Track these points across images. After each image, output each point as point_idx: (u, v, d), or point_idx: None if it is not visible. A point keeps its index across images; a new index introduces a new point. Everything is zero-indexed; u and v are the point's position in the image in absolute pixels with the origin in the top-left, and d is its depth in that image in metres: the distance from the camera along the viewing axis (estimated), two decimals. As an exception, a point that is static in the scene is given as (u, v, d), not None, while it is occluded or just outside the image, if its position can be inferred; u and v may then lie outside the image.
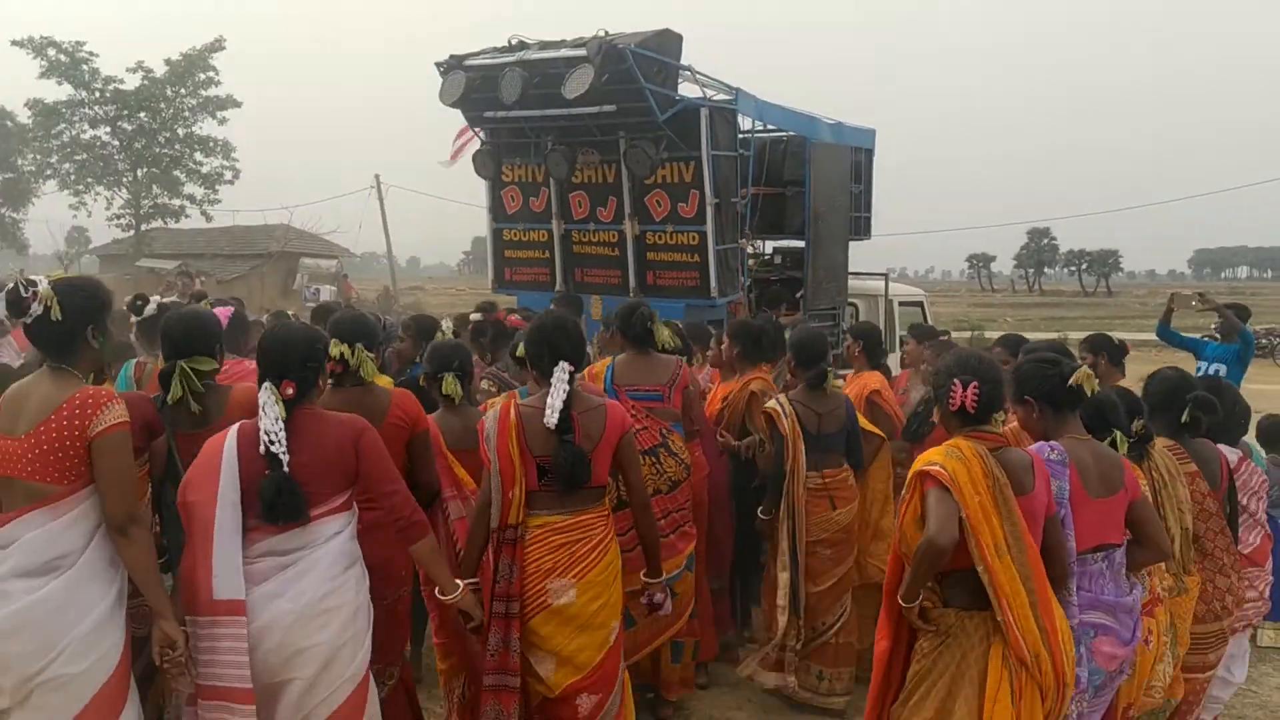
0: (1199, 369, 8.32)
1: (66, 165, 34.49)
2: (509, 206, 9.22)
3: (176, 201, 35.46)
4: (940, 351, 5.68)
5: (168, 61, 33.69)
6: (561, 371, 3.58)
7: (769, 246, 10.24)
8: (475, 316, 6.05)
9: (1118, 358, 5.52)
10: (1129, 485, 3.45)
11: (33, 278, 3.04)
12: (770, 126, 9.38)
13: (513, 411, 3.61)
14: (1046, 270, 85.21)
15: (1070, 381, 3.41)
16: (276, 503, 3.06)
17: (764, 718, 5.05)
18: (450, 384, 4.35)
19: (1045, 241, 79.99)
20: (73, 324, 3.04)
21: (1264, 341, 24.91)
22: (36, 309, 2.99)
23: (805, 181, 9.13)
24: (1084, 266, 78.23)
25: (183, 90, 33.93)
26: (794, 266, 9.59)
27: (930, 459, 3.23)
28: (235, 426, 3.21)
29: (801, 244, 9.45)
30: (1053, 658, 3.13)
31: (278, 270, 38.98)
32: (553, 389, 3.56)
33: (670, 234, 8.30)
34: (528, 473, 3.56)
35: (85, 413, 2.97)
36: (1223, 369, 8.06)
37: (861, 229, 10.35)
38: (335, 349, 3.65)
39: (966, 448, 3.24)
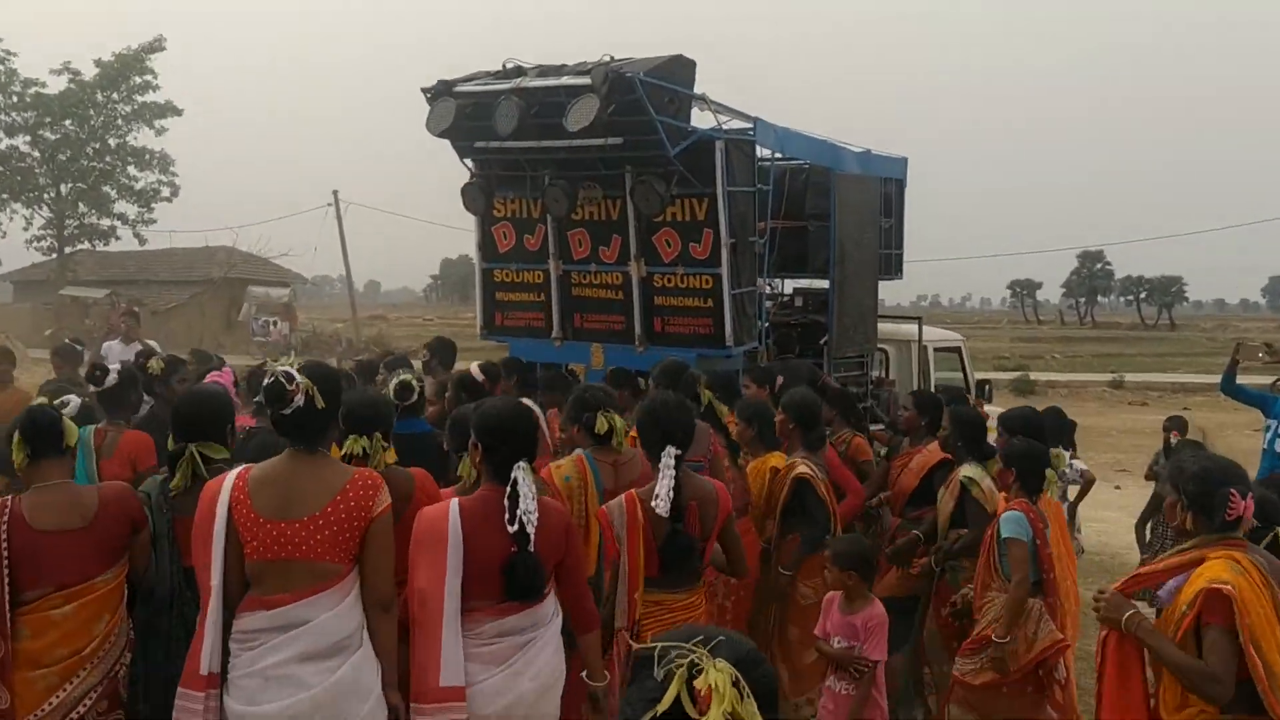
0: (1268, 427, 8.66)
1: None
2: (500, 244, 9.53)
3: (106, 221, 35.71)
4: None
5: (98, 62, 33.88)
6: (669, 457, 4.11)
7: (789, 287, 10.58)
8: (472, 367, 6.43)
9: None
10: None
11: (288, 370, 3.60)
12: (790, 156, 9.75)
13: (640, 509, 4.18)
14: (1100, 299, 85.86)
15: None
16: (529, 583, 3.62)
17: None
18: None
19: (1099, 267, 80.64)
20: (331, 411, 3.65)
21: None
22: (299, 400, 3.54)
23: (830, 215, 9.48)
24: (1143, 295, 78.84)
25: (115, 95, 34.23)
26: (817, 309, 9.94)
27: (1219, 576, 3.54)
28: (453, 504, 3.72)
29: (825, 284, 9.80)
30: None
31: (220, 299, 39.25)
32: (661, 476, 4.11)
33: (681, 276, 8.59)
34: (649, 563, 4.16)
35: (368, 494, 3.55)
36: None
37: (892, 267, 10.71)
38: (355, 445, 4.08)
39: (1243, 559, 3.58)
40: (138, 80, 34.07)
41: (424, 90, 8.63)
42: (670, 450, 4.11)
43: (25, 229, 35.25)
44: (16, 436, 3.68)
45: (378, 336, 37.78)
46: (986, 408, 10.96)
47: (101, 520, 3.69)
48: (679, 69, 8.11)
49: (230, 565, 3.52)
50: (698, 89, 8.35)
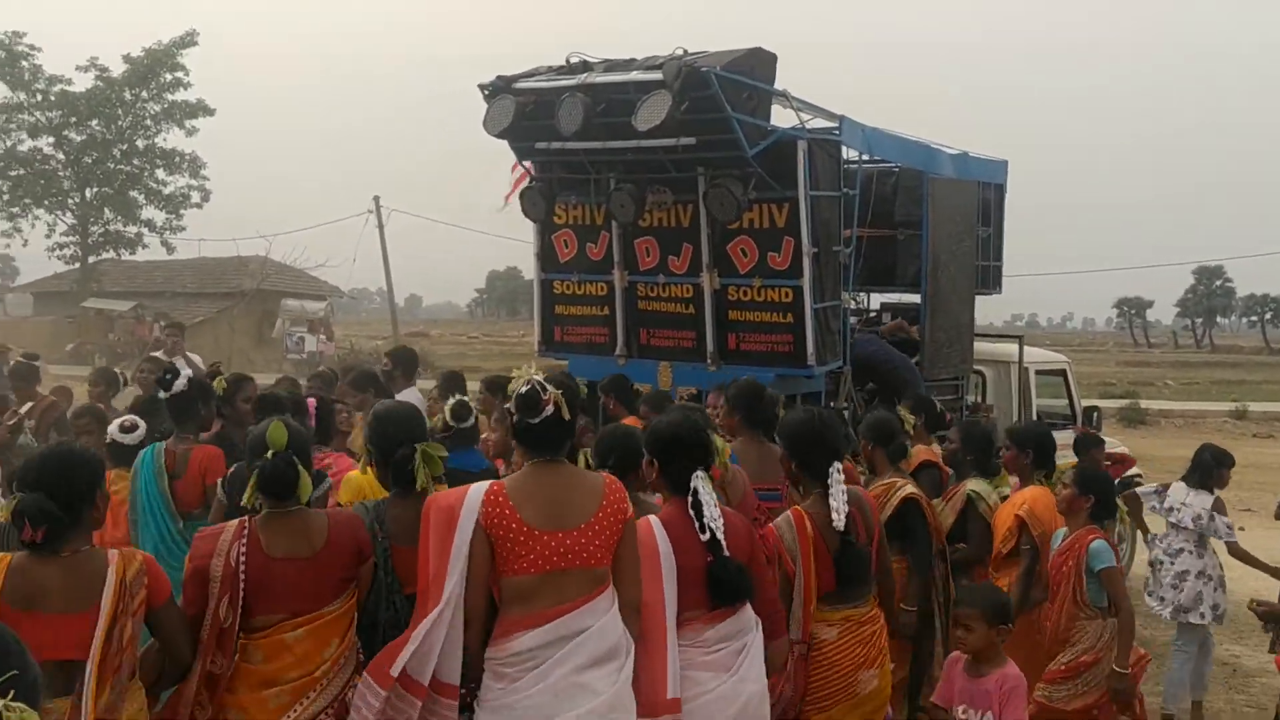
0: None
1: None
2: (561, 254, 9.65)
3: (132, 228, 36.31)
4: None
5: (127, 58, 34.51)
6: (837, 472, 4.62)
7: (876, 301, 10.58)
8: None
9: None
10: None
11: (541, 380, 3.90)
12: (879, 159, 9.77)
13: (809, 523, 4.62)
14: (1220, 320, 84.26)
15: None
16: (736, 587, 4.05)
17: None
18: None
19: (1218, 284, 79.15)
20: (573, 423, 3.99)
21: None
22: (549, 410, 3.86)
23: (922, 223, 9.51)
24: (1268, 316, 77.25)
25: (144, 94, 34.87)
26: (909, 326, 9.92)
27: None
28: (653, 520, 4.11)
29: (917, 298, 9.81)
30: None
31: (252, 312, 39.81)
32: (832, 491, 4.60)
33: (758, 289, 8.64)
34: (823, 577, 4.59)
35: (623, 495, 3.92)
36: None
37: (990, 280, 10.68)
38: (418, 473, 4.18)
39: None
40: (168, 78, 34.68)
41: (481, 87, 8.75)
42: (836, 465, 4.63)
43: (48, 236, 36.11)
44: (253, 484, 3.90)
45: (420, 354, 38.17)
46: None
47: (329, 551, 3.91)
48: (758, 63, 8.15)
49: (475, 582, 3.74)
50: (778, 85, 8.39)
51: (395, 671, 3.67)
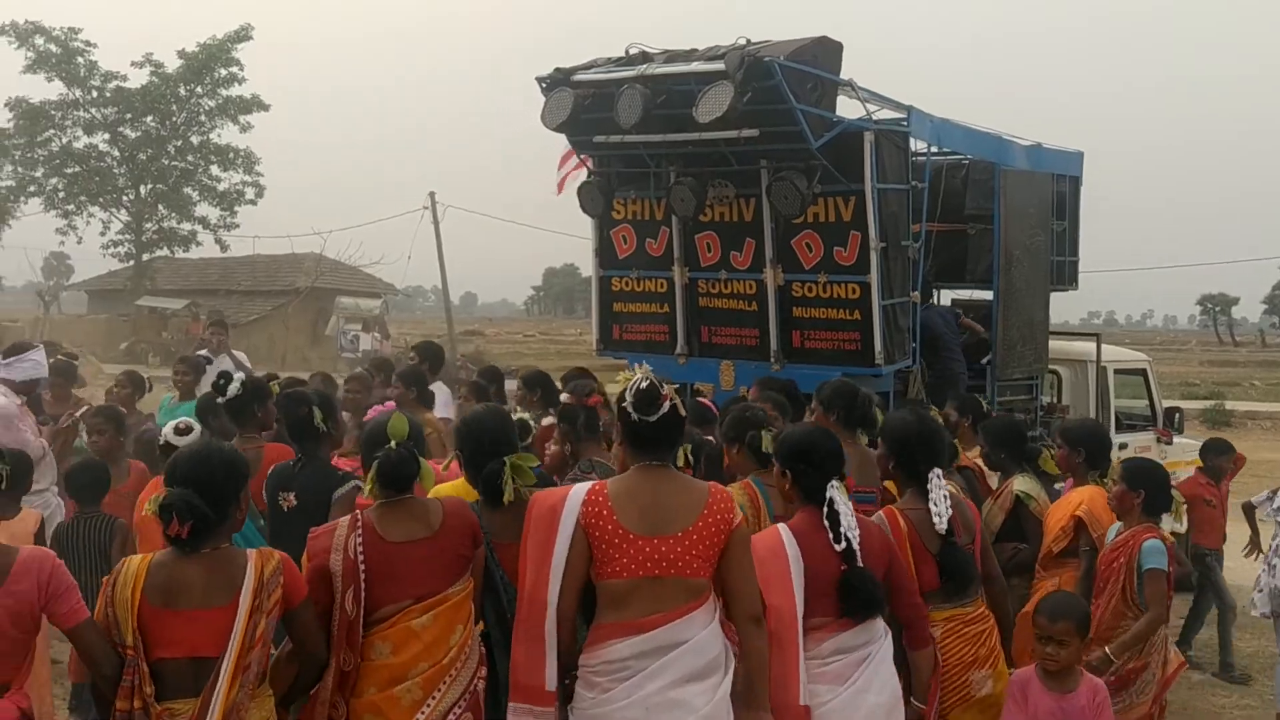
0: None
1: (54, 180, 35.89)
2: (620, 250, 9.69)
3: (186, 225, 36.88)
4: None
5: (182, 53, 35.02)
6: (938, 477, 4.72)
7: (946, 298, 10.50)
8: (564, 396, 6.50)
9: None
10: None
11: (658, 379, 3.98)
12: (948, 150, 9.70)
13: (902, 521, 4.68)
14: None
15: None
16: (868, 599, 4.09)
17: None
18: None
19: (1308, 279, 77.70)
20: (682, 424, 4.07)
21: None
22: (665, 407, 3.93)
23: (994, 217, 9.42)
24: (1362, 312, 75.67)
25: (199, 89, 35.41)
26: (978, 324, 9.85)
27: None
28: (782, 528, 4.23)
29: (989, 295, 9.73)
30: None
31: (306, 310, 40.34)
32: (934, 494, 4.69)
33: (823, 285, 8.62)
34: (924, 575, 4.63)
35: (728, 505, 3.92)
36: None
37: (1066, 277, 10.57)
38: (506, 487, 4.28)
39: None
40: (223, 73, 35.17)
41: (539, 79, 8.85)
42: (937, 471, 4.73)
43: (102, 233, 36.74)
44: (372, 475, 4.04)
45: (475, 353, 38.39)
46: (1178, 440, 10.73)
47: (446, 529, 4.03)
48: (823, 52, 8.13)
49: (568, 585, 3.81)
50: (844, 75, 8.37)
51: (551, 685, 3.78)
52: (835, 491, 4.21)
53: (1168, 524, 5.70)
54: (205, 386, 7.77)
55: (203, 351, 11.36)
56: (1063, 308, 10.70)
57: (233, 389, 5.95)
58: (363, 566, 3.87)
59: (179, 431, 6.15)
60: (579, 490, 3.90)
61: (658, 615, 3.72)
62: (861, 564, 4.13)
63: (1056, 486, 6.52)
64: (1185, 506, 7.01)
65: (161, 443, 6.21)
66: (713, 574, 3.85)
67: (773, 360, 8.81)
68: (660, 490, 3.89)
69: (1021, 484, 6.18)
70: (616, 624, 3.76)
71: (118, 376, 9.87)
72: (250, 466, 5.54)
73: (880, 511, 4.83)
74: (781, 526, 4.24)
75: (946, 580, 4.71)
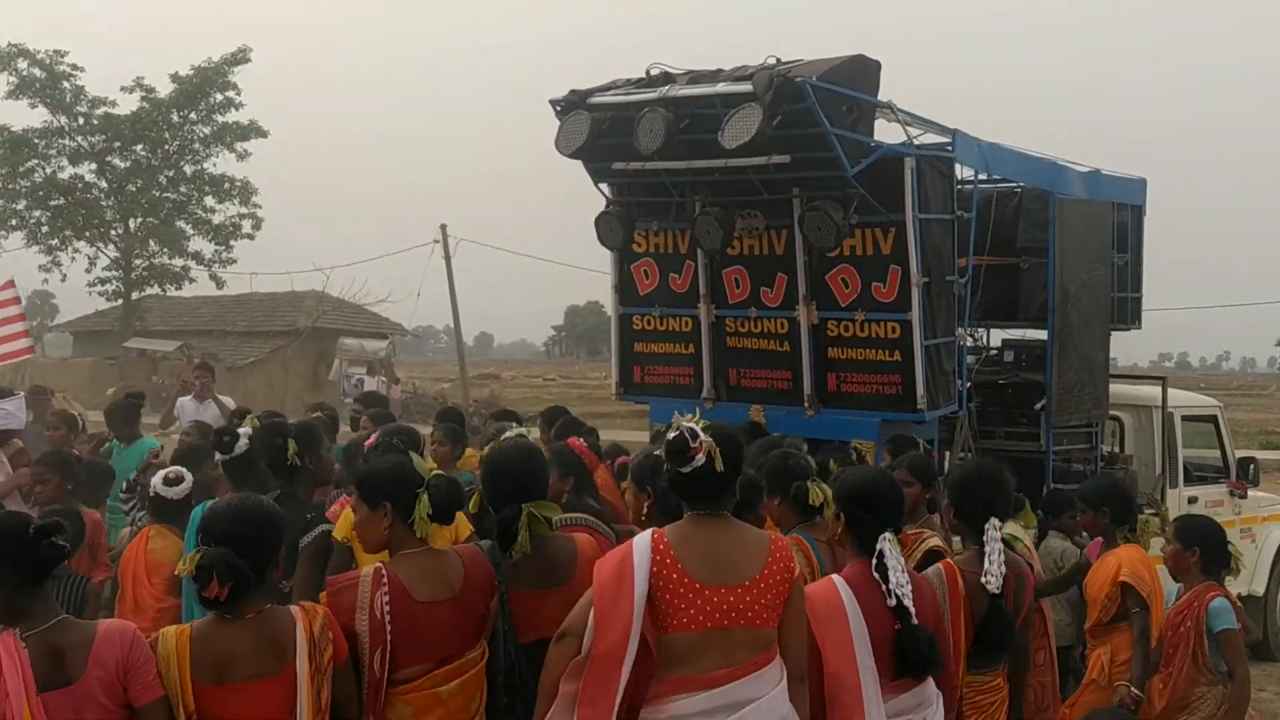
0: None
1: (38, 212, 35.95)
2: (641, 286, 9.69)
3: (178, 261, 37.01)
4: None
5: (175, 77, 35.23)
6: (994, 530, 4.73)
7: (996, 338, 10.45)
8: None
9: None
10: None
11: (693, 426, 3.97)
12: (997, 178, 9.68)
13: (961, 581, 4.70)
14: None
15: None
16: (928, 658, 4.13)
17: None
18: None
19: (1398, 317, 77.06)
20: (732, 476, 4.01)
21: None
22: (700, 460, 3.90)
23: (1049, 250, 9.38)
24: None
25: (193, 115, 35.60)
26: (1032, 367, 9.78)
27: None
28: (838, 580, 4.24)
29: (1043, 335, 9.66)
30: None
31: (307, 353, 40.39)
32: (989, 550, 4.71)
33: (861, 323, 8.61)
34: (968, 640, 4.68)
35: (789, 555, 3.98)
36: None
37: (1128, 315, 10.51)
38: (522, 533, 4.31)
39: None
40: (218, 98, 35.31)
41: (553, 103, 8.86)
42: (994, 522, 4.73)
43: (88, 270, 36.74)
44: (424, 506, 4.13)
45: (489, 398, 38.37)
46: (1254, 493, 10.61)
47: (467, 589, 4.11)
48: (859, 72, 8.15)
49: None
50: (882, 96, 8.37)
51: None
52: (887, 544, 4.22)
53: (1243, 583, 5.81)
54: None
55: (187, 397, 11.44)
56: (1130, 349, 10.68)
57: (240, 446, 5.78)
58: (389, 627, 3.92)
59: (169, 482, 6.16)
60: (643, 540, 3.93)
61: (726, 669, 3.76)
62: (915, 622, 4.15)
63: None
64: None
65: (151, 494, 6.22)
66: (779, 624, 3.89)
67: (806, 405, 8.78)
68: (720, 539, 3.94)
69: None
70: (683, 679, 3.79)
71: (49, 418, 9.91)
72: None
73: (940, 565, 4.84)
74: (837, 579, 4.27)
75: (980, 646, 4.71)
